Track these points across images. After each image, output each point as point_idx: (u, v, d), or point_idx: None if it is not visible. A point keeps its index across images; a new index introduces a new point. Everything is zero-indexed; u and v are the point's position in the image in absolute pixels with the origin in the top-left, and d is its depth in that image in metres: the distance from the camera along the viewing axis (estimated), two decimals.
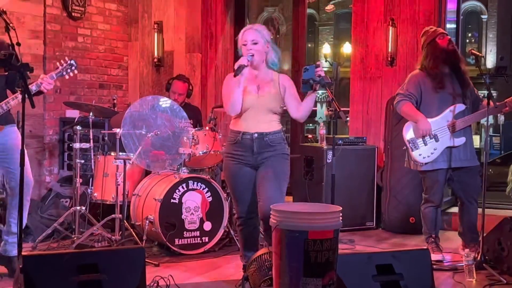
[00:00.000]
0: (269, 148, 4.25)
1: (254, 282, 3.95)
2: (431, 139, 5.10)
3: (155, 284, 4.15)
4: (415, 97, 5.14)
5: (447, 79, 5.11)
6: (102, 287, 3.45)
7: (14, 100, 4.34)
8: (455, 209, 6.38)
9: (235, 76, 4.08)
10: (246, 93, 4.22)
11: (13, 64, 3.79)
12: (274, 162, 4.24)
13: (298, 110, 4.26)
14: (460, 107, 5.11)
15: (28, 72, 3.85)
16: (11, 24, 3.90)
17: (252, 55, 4.17)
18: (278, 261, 3.21)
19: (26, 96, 3.71)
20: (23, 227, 4.78)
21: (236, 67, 4.10)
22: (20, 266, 3.38)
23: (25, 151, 4.62)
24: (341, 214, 3.26)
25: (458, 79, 5.13)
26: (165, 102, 5.67)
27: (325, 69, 18.35)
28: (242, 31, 4.30)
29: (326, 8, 24.47)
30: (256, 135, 4.23)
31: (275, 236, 3.22)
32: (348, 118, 4.41)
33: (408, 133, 5.20)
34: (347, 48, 27.93)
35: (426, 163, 5.13)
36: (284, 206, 3.41)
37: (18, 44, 3.84)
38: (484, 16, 31.30)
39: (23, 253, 3.42)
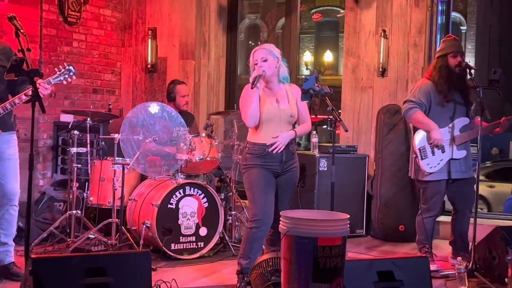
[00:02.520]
0: (292, 156, 4.60)
1: (256, 287, 4.03)
2: (438, 149, 5.19)
3: None
4: (425, 106, 5.22)
5: (452, 93, 5.19)
6: None
7: (19, 100, 4.34)
8: (441, 218, 6.53)
9: (252, 87, 4.33)
10: (267, 106, 4.46)
11: (23, 70, 3.83)
12: (295, 173, 4.64)
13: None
14: (464, 120, 5.23)
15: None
16: (21, 30, 3.94)
17: (264, 70, 4.40)
18: (287, 266, 3.29)
19: (36, 101, 3.74)
20: (16, 230, 4.82)
21: (251, 80, 4.33)
22: (30, 268, 3.42)
23: (18, 160, 4.68)
24: (348, 222, 3.36)
25: (463, 93, 5.24)
26: (156, 107, 5.68)
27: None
28: (252, 52, 4.56)
29: (313, 17, 24.61)
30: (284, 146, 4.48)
31: (284, 242, 3.30)
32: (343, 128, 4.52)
33: (420, 142, 5.25)
34: (328, 57, 28.07)
35: (431, 173, 5.20)
36: (294, 213, 3.50)
37: (28, 49, 3.88)
38: (463, 27, 31.71)
39: (32, 256, 3.46)
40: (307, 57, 29.60)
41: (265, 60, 4.46)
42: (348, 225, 3.37)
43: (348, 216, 3.37)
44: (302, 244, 3.21)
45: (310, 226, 3.23)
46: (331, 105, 4.37)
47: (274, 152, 4.45)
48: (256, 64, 4.47)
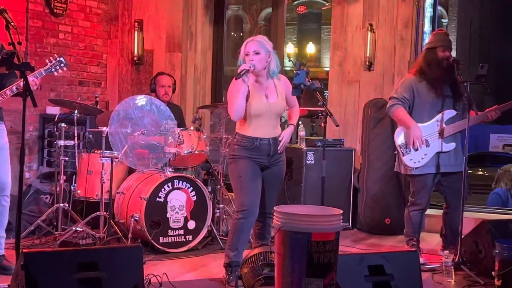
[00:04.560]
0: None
1: (248, 281, 4.05)
2: (422, 144, 5.19)
3: (148, 282, 4.21)
4: (408, 101, 5.24)
5: (439, 85, 5.22)
6: (102, 285, 3.51)
7: (10, 92, 4.32)
8: (427, 211, 6.58)
9: (236, 78, 4.32)
10: (257, 101, 4.46)
11: (14, 63, 3.80)
12: (282, 167, 4.65)
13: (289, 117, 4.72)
14: (450, 112, 5.24)
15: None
16: (12, 23, 3.92)
17: (254, 64, 4.38)
18: (281, 261, 3.31)
19: (28, 94, 3.72)
20: (4, 227, 4.81)
21: (239, 71, 4.28)
22: (22, 263, 3.41)
23: (8, 150, 4.66)
24: (342, 218, 3.39)
25: (451, 86, 5.26)
26: (143, 99, 5.67)
27: (288, 68, 18.50)
28: (244, 42, 4.53)
29: (298, 9, 24.58)
30: (271, 140, 4.53)
31: (278, 237, 3.32)
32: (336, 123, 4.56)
33: (399, 138, 5.28)
34: (310, 48, 28.07)
35: (416, 168, 5.24)
36: (288, 208, 3.52)
37: (19, 43, 3.86)
38: (445, 20, 31.87)
39: (24, 250, 3.45)
40: (290, 48, 29.63)
41: (257, 53, 4.43)
42: (342, 221, 3.39)
43: (342, 211, 3.39)
44: (296, 239, 3.23)
45: (304, 221, 3.25)
46: (321, 99, 4.40)
47: (279, 151, 4.54)
48: (248, 55, 4.44)
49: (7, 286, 3.89)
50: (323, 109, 4.55)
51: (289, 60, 24.68)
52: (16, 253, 3.94)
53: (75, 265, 3.51)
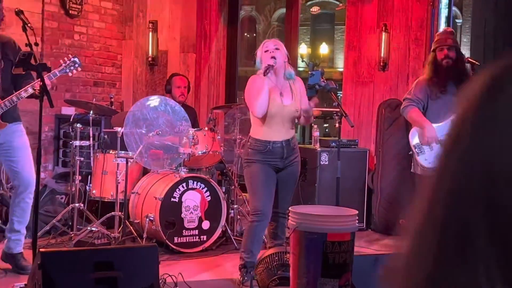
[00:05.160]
0: (293, 151, 4.61)
1: (262, 281, 4.06)
2: (437, 144, 5.18)
3: (163, 282, 4.23)
4: (422, 102, 5.22)
5: (448, 87, 5.20)
6: (118, 284, 3.54)
7: (25, 93, 4.36)
8: None
9: (265, 74, 4.33)
10: (271, 101, 4.46)
11: (31, 64, 3.83)
12: (296, 167, 4.65)
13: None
14: None
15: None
16: (29, 24, 3.95)
17: (275, 58, 4.41)
18: (296, 261, 3.32)
19: (45, 95, 3.75)
20: (26, 224, 4.85)
21: (263, 68, 4.34)
22: (39, 262, 3.44)
23: (29, 148, 4.71)
24: (357, 218, 3.39)
25: (461, 86, 5.22)
26: (157, 100, 5.69)
27: (301, 69, 18.48)
28: (262, 43, 4.59)
29: (311, 9, 24.59)
30: (284, 143, 4.52)
31: (293, 237, 3.33)
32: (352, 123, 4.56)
33: (414, 139, 5.26)
34: (323, 49, 28.01)
35: (430, 168, 5.20)
36: (303, 208, 3.53)
37: (36, 44, 3.89)
38: (459, 21, 31.75)
39: (41, 250, 3.48)
40: (303, 49, 29.59)
41: (277, 49, 4.47)
42: (357, 221, 3.39)
43: (357, 212, 3.39)
44: (311, 240, 3.24)
45: (319, 221, 3.26)
46: (336, 100, 4.40)
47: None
48: (267, 51, 4.46)
49: (24, 286, 3.92)
50: (338, 109, 4.54)
51: (302, 61, 24.68)
52: (33, 253, 3.97)
53: (92, 265, 3.53)
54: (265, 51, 4.48)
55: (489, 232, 0.61)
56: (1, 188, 5.86)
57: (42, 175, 6.84)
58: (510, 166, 0.63)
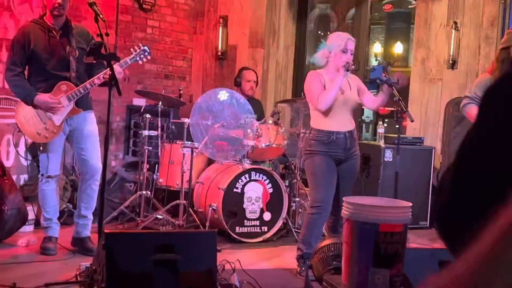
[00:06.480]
0: (355, 143, 4.69)
1: (318, 271, 4.12)
2: None
3: (222, 268, 4.34)
4: None
5: None
6: (177, 267, 3.66)
7: (98, 80, 4.57)
8: None
9: (347, 70, 4.43)
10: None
11: (101, 53, 4.02)
12: (357, 160, 4.71)
13: (374, 102, 4.66)
14: None
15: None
16: (101, 16, 4.13)
17: (353, 65, 4.53)
18: (348, 250, 3.37)
19: (114, 84, 3.92)
20: (92, 210, 5.06)
21: (345, 64, 4.44)
22: (103, 242, 3.61)
23: (98, 137, 4.92)
24: (411, 210, 3.41)
25: None
26: (225, 93, 5.84)
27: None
28: (345, 37, 4.58)
29: (384, 7, 24.36)
30: (347, 134, 4.59)
31: (346, 227, 3.38)
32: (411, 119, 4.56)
33: None
34: (398, 48, 27.64)
35: None
36: (357, 199, 3.57)
37: (107, 34, 4.07)
38: None
39: (106, 231, 3.65)
40: (377, 48, 29.27)
41: (352, 54, 4.57)
42: (410, 213, 3.42)
43: (411, 204, 3.41)
44: (363, 229, 3.28)
45: (372, 212, 3.30)
46: (397, 95, 4.41)
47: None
48: (345, 52, 4.51)
49: (89, 265, 4.11)
50: (397, 108, 4.55)
51: (376, 60, 24.45)
52: (99, 236, 4.16)
53: (152, 247, 3.67)
54: (343, 51, 4.52)
55: None
56: (74, 174, 6.12)
57: (113, 163, 7.11)
58: None
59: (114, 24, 6.94)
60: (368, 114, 19.37)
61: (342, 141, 4.57)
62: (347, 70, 4.43)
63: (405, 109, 4.40)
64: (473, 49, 6.86)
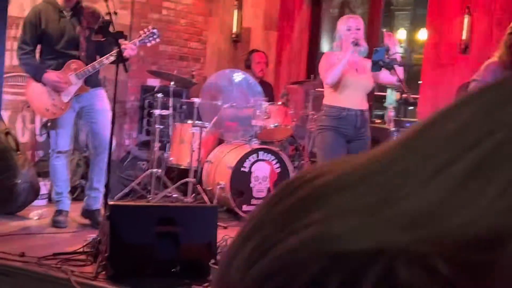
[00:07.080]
0: (366, 123, 4.77)
1: None
2: None
3: (225, 243, 4.46)
4: None
5: None
6: (178, 239, 3.80)
7: (107, 60, 4.69)
8: None
9: (355, 45, 4.53)
10: (348, 73, 4.63)
11: (109, 32, 4.14)
12: (366, 141, 4.79)
13: (389, 78, 4.72)
14: None
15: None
16: None
17: (358, 39, 4.60)
18: None
19: (120, 62, 4.04)
20: (104, 183, 5.20)
21: (354, 40, 4.54)
22: (107, 214, 3.75)
23: (110, 112, 5.05)
24: None
25: None
26: (241, 75, 5.95)
27: (399, 54, 18.26)
28: (346, 17, 4.78)
29: None
30: (359, 112, 4.68)
31: None
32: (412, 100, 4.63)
33: None
34: (422, 35, 27.36)
35: None
36: None
37: (116, 13, 4.19)
38: None
39: (110, 203, 3.79)
40: (401, 34, 29.04)
41: (358, 29, 4.65)
42: None
43: None
44: None
45: None
46: (398, 76, 4.46)
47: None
48: (350, 30, 4.62)
49: (96, 237, 4.25)
50: (399, 88, 4.62)
51: (400, 46, 24.32)
52: (105, 209, 4.29)
53: (155, 219, 3.81)
54: (348, 30, 4.63)
55: None
56: (87, 152, 6.27)
57: (127, 142, 7.25)
58: None
59: (130, 5, 7.05)
60: (391, 101, 19.40)
61: (353, 118, 4.66)
62: (356, 45, 4.53)
63: (405, 90, 4.46)
64: (485, 35, 6.85)
